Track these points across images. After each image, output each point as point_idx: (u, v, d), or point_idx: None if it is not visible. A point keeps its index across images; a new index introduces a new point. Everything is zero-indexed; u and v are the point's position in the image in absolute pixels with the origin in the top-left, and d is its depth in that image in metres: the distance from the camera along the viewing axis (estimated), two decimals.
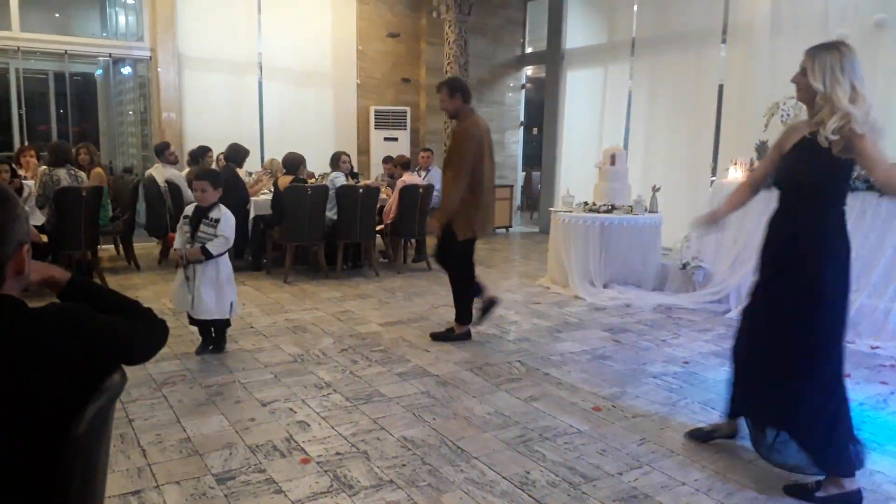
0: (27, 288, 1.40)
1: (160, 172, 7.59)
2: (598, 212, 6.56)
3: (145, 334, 1.54)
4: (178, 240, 4.41)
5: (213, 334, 4.54)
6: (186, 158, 8.34)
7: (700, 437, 3.28)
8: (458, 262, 4.92)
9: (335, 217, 7.02)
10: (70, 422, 1.22)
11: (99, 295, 1.59)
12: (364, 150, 10.77)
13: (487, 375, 4.16)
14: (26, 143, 8.81)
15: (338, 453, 3.09)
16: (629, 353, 4.68)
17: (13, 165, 6.78)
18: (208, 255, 4.27)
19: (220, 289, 4.36)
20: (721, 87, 8.29)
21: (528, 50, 12.04)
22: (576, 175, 10.00)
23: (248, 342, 4.77)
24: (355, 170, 9.28)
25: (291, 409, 3.60)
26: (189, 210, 4.47)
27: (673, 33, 8.85)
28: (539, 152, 11.61)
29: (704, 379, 4.19)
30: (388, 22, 10.81)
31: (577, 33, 10.69)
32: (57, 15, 11.24)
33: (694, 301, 6.07)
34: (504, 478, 2.89)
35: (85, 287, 1.60)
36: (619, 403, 3.76)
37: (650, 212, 6.70)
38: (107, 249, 7.90)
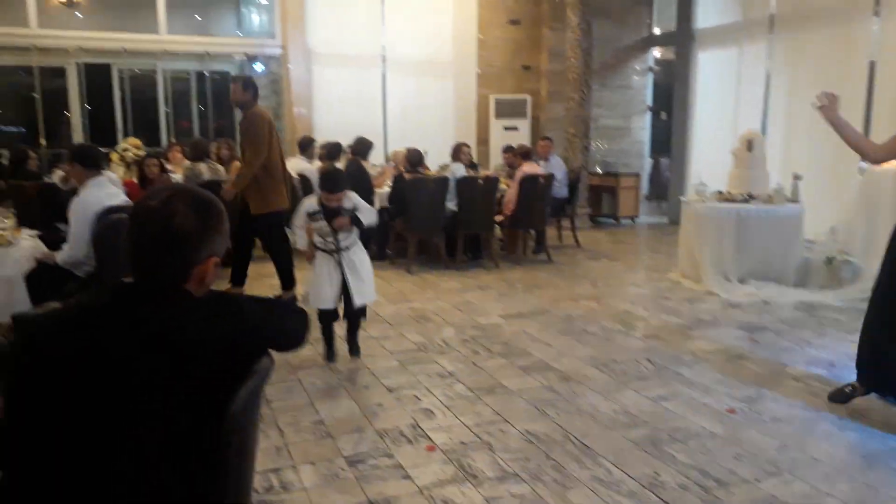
0: None
1: (294, 166, 7.93)
2: (734, 201, 6.19)
3: (293, 326, 1.62)
4: (301, 238, 4.18)
5: (349, 332, 4.30)
6: (319, 153, 8.64)
7: (840, 398, 3.49)
8: (272, 238, 5.56)
9: (455, 208, 7.06)
10: (225, 401, 1.30)
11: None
12: (483, 139, 10.76)
13: (613, 372, 4.05)
14: (172, 140, 9.49)
15: (462, 443, 3.11)
16: (767, 354, 4.40)
17: (162, 161, 7.33)
18: (359, 225, 4.12)
19: (371, 271, 4.24)
20: (872, 64, 7.58)
21: (656, 31, 11.55)
22: (708, 162, 9.51)
23: (374, 330, 4.90)
24: (475, 160, 9.31)
25: (416, 397, 3.66)
26: (312, 206, 4.10)
27: (817, 8, 8.18)
28: (667, 138, 11.14)
29: None
30: (508, 9, 10.72)
31: (709, 11, 10.12)
32: (197, 17, 11.97)
33: (840, 298, 5.62)
34: (631, 477, 2.80)
35: None
36: (756, 406, 3.54)
37: (791, 201, 6.24)
38: None
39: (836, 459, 2.95)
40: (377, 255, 7.59)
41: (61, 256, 4.06)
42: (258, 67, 11.53)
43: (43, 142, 9.66)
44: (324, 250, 4.11)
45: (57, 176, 6.49)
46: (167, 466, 1.30)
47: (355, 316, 4.24)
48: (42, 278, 3.99)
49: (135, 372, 1.30)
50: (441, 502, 2.61)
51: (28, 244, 4.15)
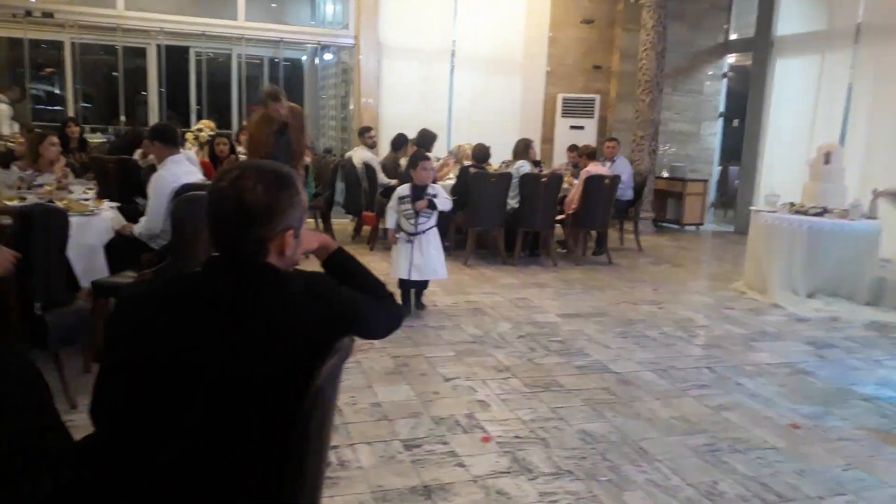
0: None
1: (358, 155, 8.05)
2: (807, 214, 6.00)
3: (381, 315, 1.67)
4: (392, 218, 4.94)
5: (417, 295, 5.15)
6: (390, 145, 8.72)
7: None
8: None
9: (517, 205, 7.04)
10: (309, 376, 1.34)
11: (354, 270, 1.75)
12: (548, 138, 10.69)
13: (673, 379, 3.98)
14: (244, 123, 9.73)
15: (517, 436, 3.12)
16: (835, 371, 4.25)
17: (233, 142, 7.54)
18: (433, 207, 4.86)
19: (439, 250, 4.99)
20: None
21: (733, 36, 11.26)
22: (779, 173, 9.24)
23: (431, 319, 4.94)
24: (537, 158, 9.26)
25: (472, 388, 3.68)
26: (404, 191, 4.93)
27: None
28: (738, 146, 10.85)
29: None
30: (582, 8, 10.61)
31: (790, 18, 9.80)
32: (273, 4, 12.23)
33: None
34: (689, 484, 2.76)
35: (345, 260, 1.76)
36: (822, 423, 3.44)
37: (869, 218, 6.01)
38: (308, 223, 8.53)
39: None
40: None
41: (138, 229, 4.23)
42: (328, 56, 11.73)
43: (122, 119, 10.04)
44: (405, 231, 4.89)
45: (136, 152, 6.73)
46: (250, 436, 1.35)
47: (418, 285, 5.14)
48: (120, 248, 4.17)
49: (219, 343, 1.35)
50: (496, 493, 2.63)
51: (109, 215, 4.33)
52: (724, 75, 11.41)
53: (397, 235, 4.93)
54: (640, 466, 2.89)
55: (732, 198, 11.41)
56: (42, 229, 3.04)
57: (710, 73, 11.25)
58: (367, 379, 3.71)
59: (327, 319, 1.42)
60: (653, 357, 4.35)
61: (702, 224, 10.43)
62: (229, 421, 1.34)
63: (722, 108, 11.45)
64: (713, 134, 11.44)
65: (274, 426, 1.35)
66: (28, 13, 8.77)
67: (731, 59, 11.48)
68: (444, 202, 4.98)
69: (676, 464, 2.93)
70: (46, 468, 1.70)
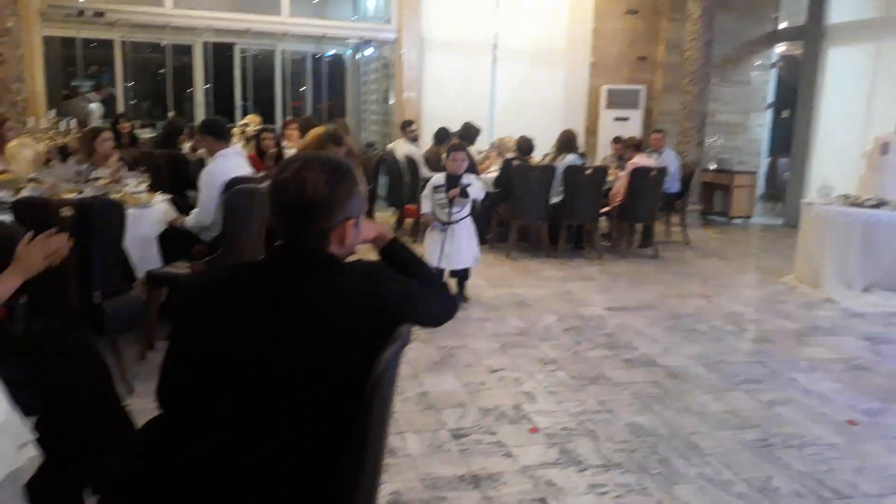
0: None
1: (401, 148, 8.08)
2: (863, 206, 5.81)
3: (436, 304, 1.70)
4: (427, 205, 5.02)
5: (459, 285, 5.14)
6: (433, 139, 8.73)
7: None
8: None
9: (560, 197, 6.98)
10: (368, 363, 1.36)
11: (409, 260, 1.77)
12: (592, 130, 10.57)
13: (723, 373, 3.91)
14: (288, 118, 9.85)
15: (565, 428, 3.10)
16: (894, 367, 4.12)
17: (277, 138, 7.63)
18: (465, 195, 4.86)
19: (471, 239, 5.03)
20: None
21: (782, 25, 10.96)
22: (831, 164, 8.97)
23: (476, 311, 4.94)
24: (582, 150, 9.16)
25: (518, 380, 3.67)
26: (439, 181, 4.98)
27: None
28: (788, 137, 10.56)
29: None
30: None
31: (844, 6, 9.48)
32: (315, 0, 12.33)
33: None
34: (742, 479, 2.71)
35: (402, 250, 1.79)
36: (881, 420, 3.34)
37: None
38: None
39: None
40: (478, 240, 7.62)
41: (190, 221, 4.32)
42: (369, 51, 11.78)
43: (171, 115, 10.26)
44: (438, 220, 4.94)
45: (186, 146, 6.87)
46: (313, 423, 1.37)
47: (457, 275, 5.14)
48: (172, 240, 4.26)
49: (281, 330, 1.38)
50: (544, 483, 2.62)
51: (161, 207, 4.43)
52: (774, 65, 11.11)
53: (434, 224, 4.99)
54: (690, 460, 2.85)
55: (781, 190, 11.12)
56: (101, 221, 3.13)
57: (759, 62, 10.96)
58: (413, 369, 3.73)
59: (386, 307, 1.44)
60: (702, 351, 4.27)
61: (750, 217, 10.19)
62: (294, 407, 1.36)
63: (771, 99, 11.16)
64: (761, 125, 11.16)
65: (336, 412, 1.37)
66: (80, 13, 9.01)
67: (781, 48, 11.16)
68: (478, 190, 4.99)
69: (728, 458, 2.88)
70: (112, 448, 1.75)
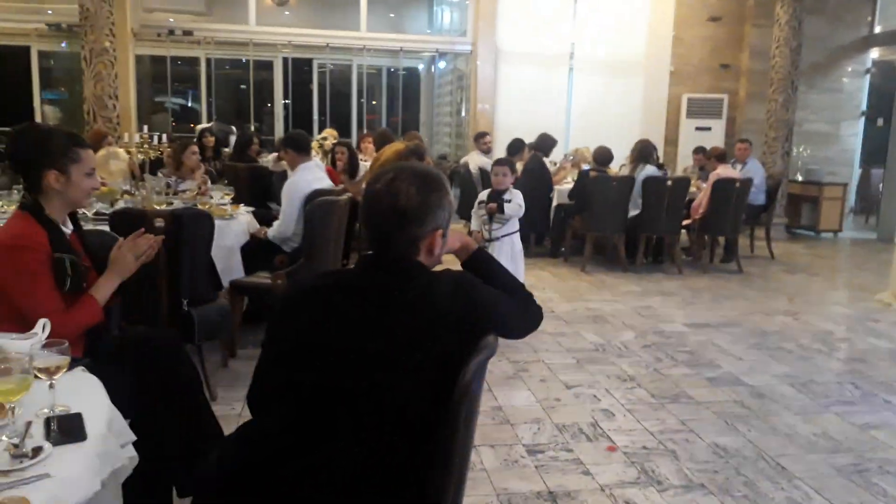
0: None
1: (474, 160, 8.10)
2: None
3: (523, 316, 1.71)
4: (475, 222, 4.74)
5: None
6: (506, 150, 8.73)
7: None
8: None
9: (638, 210, 6.83)
10: (455, 373, 1.36)
11: (494, 270, 1.78)
12: (672, 140, 10.33)
13: (813, 394, 3.72)
14: (364, 132, 10.05)
15: (644, 447, 3.02)
16: None
17: (353, 150, 7.78)
18: (501, 211, 4.55)
19: (515, 261, 4.59)
20: None
21: (878, 29, 10.43)
22: None
23: (549, 325, 4.88)
24: (660, 161, 8.95)
25: (595, 396, 3.60)
26: (484, 195, 4.74)
27: None
28: (883, 147, 10.01)
29: None
30: (709, 5, 10.17)
31: None
32: (392, 14, 12.54)
33: None
34: None
35: (485, 260, 1.81)
36: None
37: None
38: None
39: None
40: (551, 252, 7.57)
41: (272, 232, 4.46)
42: (442, 64, 11.89)
43: (252, 128, 10.63)
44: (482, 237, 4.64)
45: (271, 158, 7.10)
46: (401, 429, 1.39)
47: None
48: (254, 251, 4.40)
49: (375, 335, 1.41)
50: (623, 502, 2.55)
51: (245, 219, 4.58)
52: (867, 71, 10.58)
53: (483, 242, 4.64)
54: (778, 484, 2.72)
55: (875, 203, 10.56)
56: (191, 231, 3.26)
57: (851, 69, 10.47)
58: (487, 382, 3.71)
59: (471, 315, 1.45)
60: (790, 370, 4.08)
61: (840, 231, 9.70)
62: (384, 415, 1.38)
63: (864, 107, 10.63)
64: (854, 134, 10.64)
65: (423, 422, 1.38)
66: (171, 32, 9.47)
67: (875, 53, 10.63)
68: (515, 208, 4.60)
69: (819, 483, 2.73)
70: (201, 451, 1.81)
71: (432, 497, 1.38)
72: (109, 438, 1.34)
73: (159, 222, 3.10)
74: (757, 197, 7.52)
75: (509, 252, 4.62)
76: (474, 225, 4.76)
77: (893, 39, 10.01)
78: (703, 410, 3.46)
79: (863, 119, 10.65)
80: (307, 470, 1.36)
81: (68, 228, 2.25)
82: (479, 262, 1.77)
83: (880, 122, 10.81)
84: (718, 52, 10.28)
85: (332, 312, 1.45)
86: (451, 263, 1.72)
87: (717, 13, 10.16)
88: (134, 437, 1.60)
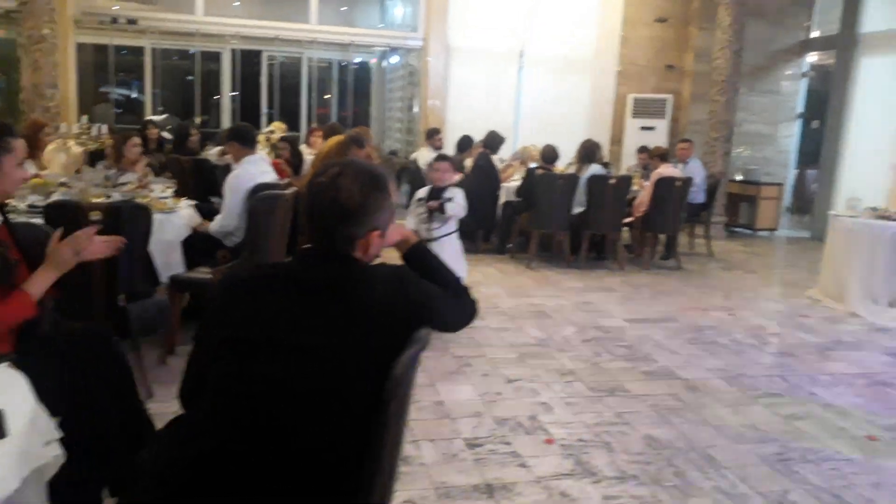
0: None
1: (424, 156, 8.13)
2: (891, 219, 5.72)
3: (456, 309, 1.74)
4: (412, 221, 4.60)
5: None
6: (455, 147, 8.76)
7: None
8: None
9: (583, 207, 6.96)
10: (387, 365, 1.39)
11: (432, 264, 1.81)
12: (617, 139, 10.53)
13: (743, 386, 3.87)
14: (313, 125, 9.96)
15: (581, 440, 3.10)
16: None
17: (298, 147, 7.71)
18: (441, 211, 4.47)
19: (457, 261, 4.52)
20: None
21: (815, 34, 10.83)
22: (862, 176, 8.83)
23: (493, 321, 4.95)
24: (605, 160, 9.12)
25: (535, 390, 3.67)
26: (423, 192, 4.62)
27: None
28: (817, 148, 10.43)
29: None
30: (656, 7, 10.40)
31: (878, 15, 9.34)
32: (343, 8, 12.44)
33: None
34: (758, 493, 2.69)
35: (424, 254, 1.83)
36: None
37: None
38: None
39: None
40: (498, 249, 7.66)
41: (214, 226, 4.39)
42: (394, 59, 11.86)
43: (198, 121, 10.42)
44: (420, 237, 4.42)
45: (213, 152, 6.99)
46: (329, 422, 1.40)
47: None
48: (196, 245, 4.33)
49: (307, 327, 1.42)
50: (559, 494, 2.62)
51: (186, 213, 4.51)
52: (804, 74, 10.98)
53: None
54: (707, 473, 2.83)
55: (809, 202, 10.98)
56: (129, 225, 3.20)
57: (790, 72, 10.85)
58: (429, 378, 3.75)
59: (407, 309, 1.48)
60: (723, 364, 4.24)
61: (776, 229, 10.07)
62: (314, 405, 1.39)
63: (801, 109, 11.03)
64: (790, 136, 11.03)
65: (352, 413, 1.40)
66: (114, 20, 9.21)
67: (813, 57, 11.04)
68: (457, 208, 4.50)
69: (745, 472, 2.85)
70: (132, 449, 1.80)
71: (362, 490, 1.40)
72: (32, 436, 1.32)
73: (95, 215, 3.04)
74: (697, 196, 7.74)
75: (451, 252, 4.52)
76: (411, 224, 4.59)
77: (829, 44, 10.41)
78: (638, 403, 3.56)
79: (799, 121, 11.06)
80: (238, 465, 1.36)
81: None
82: (418, 256, 1.80)
83: (815, 123, 11.25)
84: (664, 53, 10.53)
85: (267, 304, 1.46)
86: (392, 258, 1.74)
87: (663, 15, 10.40)
88: (59, 435, 1.58)
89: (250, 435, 1.38)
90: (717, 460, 2.95)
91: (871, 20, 9.37)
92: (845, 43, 9.65)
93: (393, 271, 1.55)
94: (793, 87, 10.90)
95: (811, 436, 3.25)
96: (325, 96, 11.65)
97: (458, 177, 4.63)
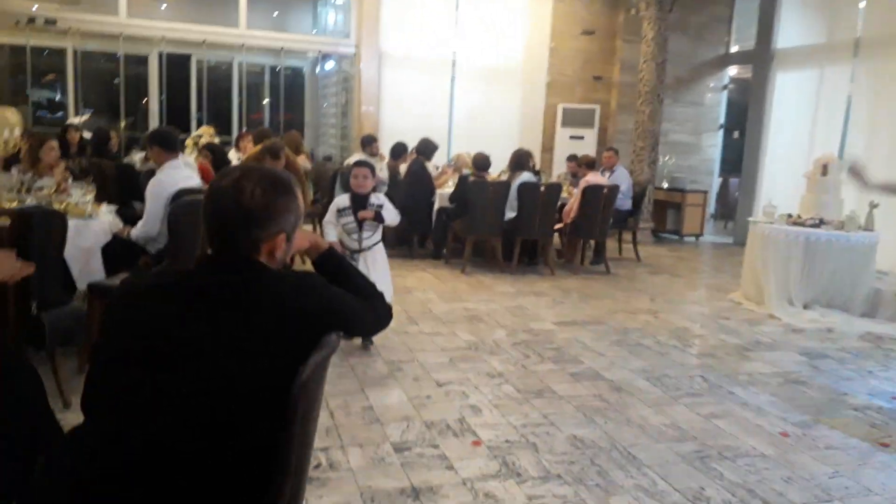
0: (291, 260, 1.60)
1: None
2: (804, 225, 6.02)
3: (368, 314, 1.72)
4: (331, 233, 4.37)
5: None
6: (389, 154, 8.74)
7: None
8: None
9: (515, 213, 7.06)
10: (295, 369, 1.37)
11: (343, 270, 1.80)
12: (548, 147, 10.75)
13: (665, 387, 3.99)
14: (244, 130, 9.79)
15: (507, 441, 3.13)
16: (827, 381, 4.26)
17: (221, 152, 7.55)
18: (380, 220, 4.33)
19: (387, 270, 4.47)
20: None
21: (734, 49, 11.32)
22: (779, 184, 9.26)
23: (426, 326, 4.96)
24: (537, 167, 9.29)
25: (464, 393, 3.70)
26: (343, 202, 4.38)
27: None
28: (739, 158, 10.89)
29: None
30: (582, 19, 10.68)
31: (790, 32, 9.84)
32: (275, 13, 12.30)
33: None
34: (676, 490, 2.77)
35: (336, 260, 1.82)
36: (811, 432, 3.44)
37: (865, 230, 6.02)
38: (306, 228, 8.57)
39: (892, 491, 2.85)
40: (433, 254, 7.69)
41: (135, 232, 4.27)
42: (329, 65, 11.79)
43: (122, 124, 10.10)
44: (348, 248, 4.32)
45: (137, 157, 6.78)
46: (234, 428, 1.37)
47: None
48: (116, 251, 4.20)
49: (207, 333, 1.38)
50: (483, 495, 2.64)
51: (106, 218, 4.36)
52: (725, 87, 11.47)
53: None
54: (628, 472, 2.90)
55: (732, 209, 11.44)
56: (40, 231, 3.07)
57: (712, 84, 11.31)
58: (360, 383, 3.73)
59: (313, 314, 1.46)
60: (646, 365, 4.36)
61: (701, 235, 10.45)
62: (213, 411, 1.35)
63: (722, 120, 11.51)
64: (714, 145, 11.49)
65: (258, 419, 1.38)
66: (31, 20, 8.84)
67: (733, 70, 11.54)
68: (392, 214, 4.42)
69: (665, 469, 2.94)
70: (37, 458, 1.72)
71: (269, 498, 1.38)
72: None
73: (3, 221, 2.90)
74: (624, 203, 7.97)
75: (383, 259, 4.47)
76: (331, 235, 4.36)
77: (746, 59, 10.90)
78: (564, 404, 3.63)
79: (721, 131, 11.53)
80: (137, 474, 1.32)
81: None
82: (330, 262, 1.79)
83: (736, 134, 11.74)
84: (592, 65, 10.81)
85: (164, 313, 1.41)
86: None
87: (590, 27, 10.68)
88: None
89: (153, 445, 1.34)
90: (639, 459, 3.03)
91: (786, 36, 9.87)
92: (762, 58, 10.12)
93: (299, 277, 1.53)
94: (715, 98, 11.37)
95: (728, 434, 3.37)
96: (265, 101, 11.49)
97: (374, 182, 4.42)
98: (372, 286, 1.80)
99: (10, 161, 5.95)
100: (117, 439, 1.35)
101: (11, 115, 6.49)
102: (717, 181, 11.89)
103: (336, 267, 1.78)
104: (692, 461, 3.04)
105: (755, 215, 8.44)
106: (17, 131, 6.54)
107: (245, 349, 1.37)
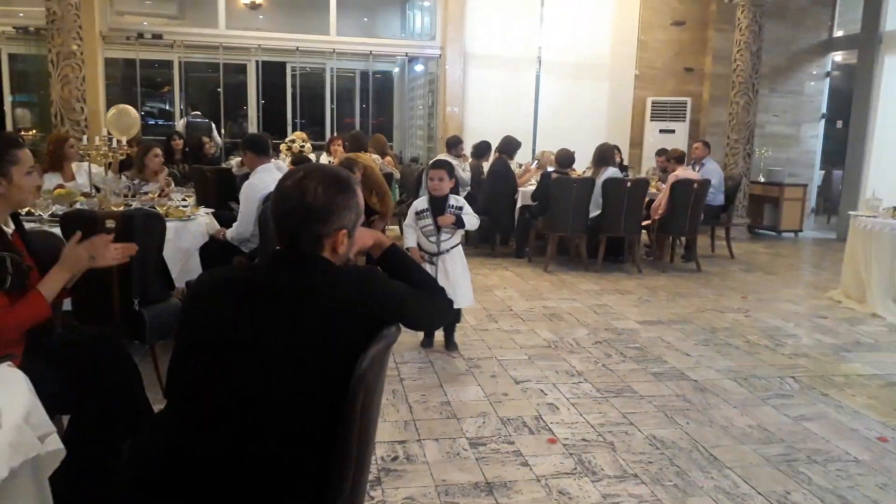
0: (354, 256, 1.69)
1: None
2: None
3: (428, 309, 1.78)
4: (411, 237, 4.27)
5: (447, 332, 4.37)
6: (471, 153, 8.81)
7: None
8: None
9: (599, 210, 6.96)
10: (355, 362, 1.44)
11: (406, 266, 1.86)
12: (637, 142, 10.50)
13: (753, 387, 3.85)
14: (335, 134, 10.10)
15: (584, 439, 3.12)
16: None
17: (314, 154, 7.84)
18: (460, 225, 4.21)
19: (466, 274, 4.32)
20: None
21: (837, 33, 10.69)
22: (887, 177, 8.69)
23: (506, 323, 4.99)
24: (625, 163, 9.11)
25: (542, 391, 3.70)
26: (421, 204, 4.26)
27: None
28: (842, 149, 10.28)
29: None
30: (673, 10, 10.36)
31: None
32: (365, 19, 12.60)
33: None
34: (759, 493, 2.68)
35: (397, 257, 1.88)
36: None
37: None
38: (392, 229, 8.76)
39: None
40: (516, 253, 7.69)
41: (230, 233, 4.52)
42: (418, 68, 11.96)
43: (223, 131, 10.65)
44: (426, 251, 4.23)
45: (234, 161, 7.14)
46: (298, 415, 1.45)
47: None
48: (213, 252, 4.45)
49: (275, 326, 1.47)
50: (557, 492, 2.65)
51: (204, 220, 4.63)
52: (828, 74, 10.83)
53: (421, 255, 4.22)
54: (708, 473, 2.84)
55: (835, 203, 10.81)
56: (142, 232, 3.31)
57: (813, 72, 10.72)
58: (438, 379, 3.81)
59: (372, 305, 1.52)
60: (734, 365, 4.22)
61: (800, 231, 9.93)
62: (277, 401, 1.44)
63: (824, 110, 10.88)
64: (815, 136, 10.88)
65: (320, 408, 1.45)
66: (140, 35, 9.46)
67: (836, 57, 10.89)
68: (471, 218, 4.25)
69: (748, 472, 2.85)
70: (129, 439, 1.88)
71: (330, 489, 1.45)
72: (24, 429, 1.38)
73: (110, 223, 3.15)
74: (715, 198, 7.70)
75: (463, 265, 4.31)
76: (410, 240, 4.27)
77: (851, 43, 10.26)
78: (645, 404, 3.57)
79: (823, 121, 10.91)
80: (209, 463, 1.41)
81: (10, 228, 2.30)
82: (392, 258, 1.85)
83: (839, 124, 11.08)
84: (682, 56, 10.47)
85: (237, 306, 1.50)
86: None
87: (680, 18, 10.35)
88: (54, 429, 1.66)
89: (213, 437, 1.43)
90: (721, 461, 2.95)
91: (894, 18, 9.22)
92: (868, 42, 9.51)
93: (360, 271, 1.60)
94: (816, 87, 10.76)
95: (819, 437, 3.23)
96: (363, 105, 11.81)
97: (451, 184, 4.28)
98: (432, 281, 1.86)
99: (122, 166, 6.41)
100: (192, 423, 1.46)
101: (133, 113, 7.07)
102: (818, 174, 11.26)
103: (398, 263, 1.85)
104: (778, 464, 2.93)
105: (858, 208, 7.96)
106: (124, 140, 7.01)
107: (307, 342, 1.45)
